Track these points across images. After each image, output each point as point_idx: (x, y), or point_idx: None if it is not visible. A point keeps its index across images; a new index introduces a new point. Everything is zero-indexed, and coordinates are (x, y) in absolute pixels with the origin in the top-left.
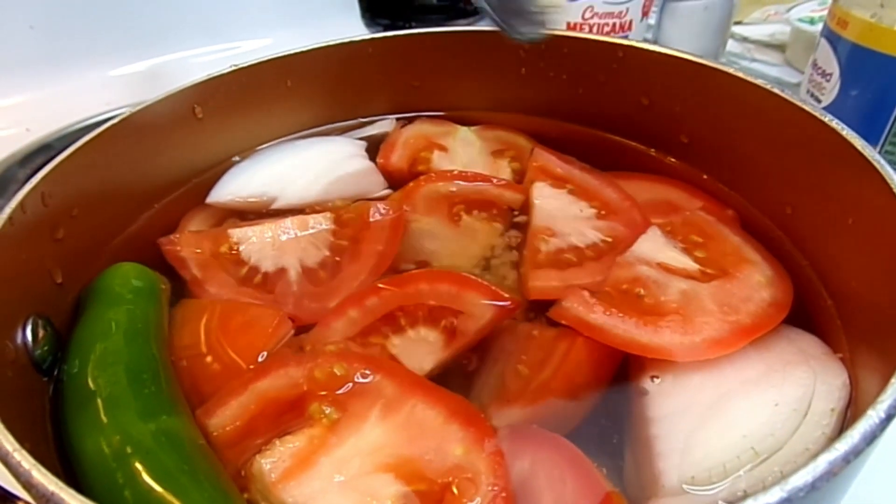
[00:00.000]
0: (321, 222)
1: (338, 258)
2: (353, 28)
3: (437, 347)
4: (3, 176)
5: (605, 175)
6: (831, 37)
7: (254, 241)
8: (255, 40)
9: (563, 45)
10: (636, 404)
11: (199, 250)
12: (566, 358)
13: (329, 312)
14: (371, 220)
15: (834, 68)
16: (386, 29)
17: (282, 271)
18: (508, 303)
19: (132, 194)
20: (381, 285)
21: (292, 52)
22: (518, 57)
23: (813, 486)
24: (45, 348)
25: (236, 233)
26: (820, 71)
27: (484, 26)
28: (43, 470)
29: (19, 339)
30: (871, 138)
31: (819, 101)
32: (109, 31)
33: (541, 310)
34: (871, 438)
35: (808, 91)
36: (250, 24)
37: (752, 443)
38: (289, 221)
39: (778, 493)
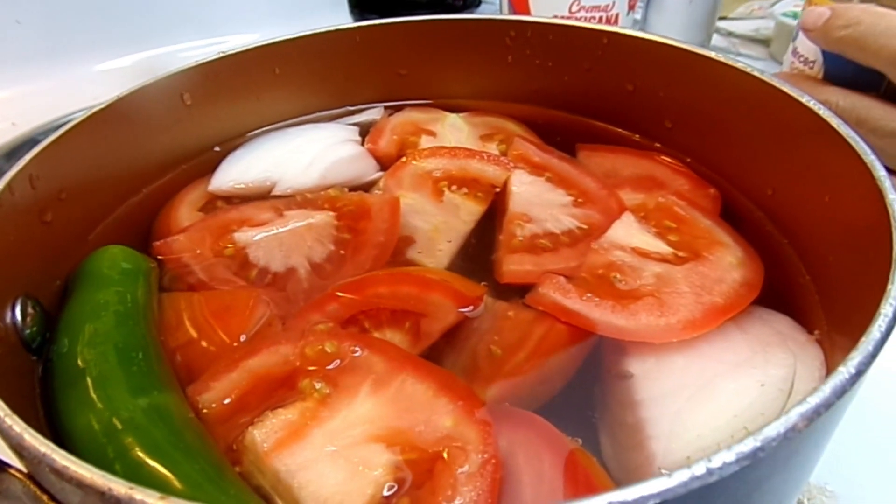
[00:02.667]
0: (324, 217)
1: (342, 251)
2: (341, 23)
3: (403, 348)
4: None
5: (584, 164)
6: None
7: (261, 245)
8: (243, 35)
9: (549, 32)
10: (618, 388)
11: (198, 251)
12: (542, 342)
13: (291, 318)
14: (372, 209)
15: (816, 56)
16: None
17: (291, 271)
18: (472, 307)
19: (120, 178)
20: (338, 293)
21: (280, 39)
22: (504, 45)
23: (785, 437)
24: (35, 328)
25: (242, 237)
26: (802, 59)
27: (470, 15)
28: (33, 433)
29: (8, 319)
30: None
31: None
32: (96, 26)
33: (516, 289)
34: (840, 392)
35: None
36: (238, 19)
37: (744, 422)
38: (291, 220)
39: (751, 442)
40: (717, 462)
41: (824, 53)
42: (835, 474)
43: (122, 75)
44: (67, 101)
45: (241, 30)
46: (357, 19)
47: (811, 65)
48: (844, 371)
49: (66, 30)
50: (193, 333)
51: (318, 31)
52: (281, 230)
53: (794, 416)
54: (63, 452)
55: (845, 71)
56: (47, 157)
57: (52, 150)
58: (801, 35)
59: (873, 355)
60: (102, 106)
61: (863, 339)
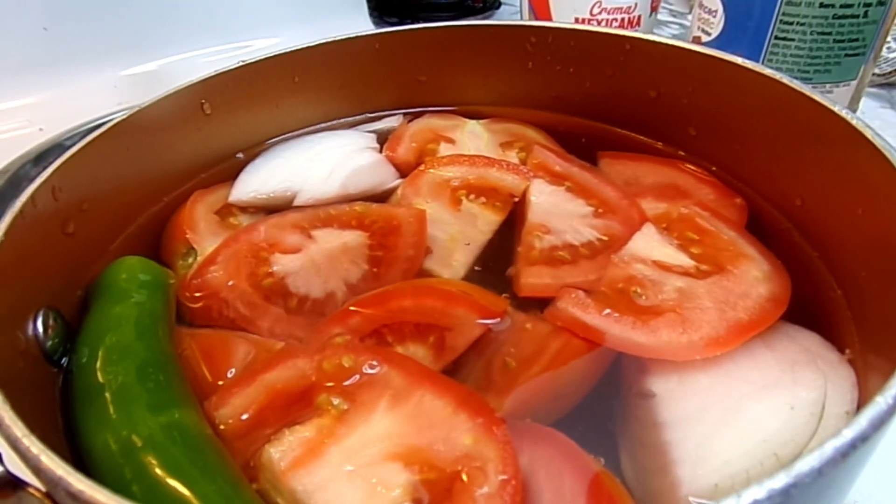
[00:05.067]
0: (356, 237)
1: (375, 269)
2: (361, 27)
3: (426, 363)
4: (17, 174)
5: (605, 172)
6: None
7: (300, 274)
8: (265, 39)
9: (570, 38)
10: (640, 407)
11: (232, 282)
12: (557, 357)
13: (312, 332)
14: (401, 225)
15: (717, 5)
16: (394, 27)
17: (330, 295)
18: (498, 319)
19: (141, 188)
20: (361, 307)
21: (299, 47)
22: (525, 51)
23: (820, 472)
24: (56, 340)
25: (280, 268)
26: (706, 9)
27: (490, 20)
28: (51, 454)
29: (30, 331)
30: (754, 56)
31: (709, 34)
32: (121, 32)
33: (535, 302)
34: (878, 424)
35: (698, 28)
36: (259, 24)
37: (774, 448)
38: (323, 242)
39: (783, 478)
40: (747, 499)
41: (724, 3)
42: (862, 493)
43: (148, 80)
44: (94, 106)
45: (263, 34)
46: (376, 22)
47: (714, 13)
48: (882, 401)
49: (92, 36)
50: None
51: (337, 38)
52: (317, 255)
53: (829, 450)
54: (79, 476)
55: (741, 13)
56: (70, 169)
57: (74, 162)
58: None
59: None
60: (123, 117)
61: None
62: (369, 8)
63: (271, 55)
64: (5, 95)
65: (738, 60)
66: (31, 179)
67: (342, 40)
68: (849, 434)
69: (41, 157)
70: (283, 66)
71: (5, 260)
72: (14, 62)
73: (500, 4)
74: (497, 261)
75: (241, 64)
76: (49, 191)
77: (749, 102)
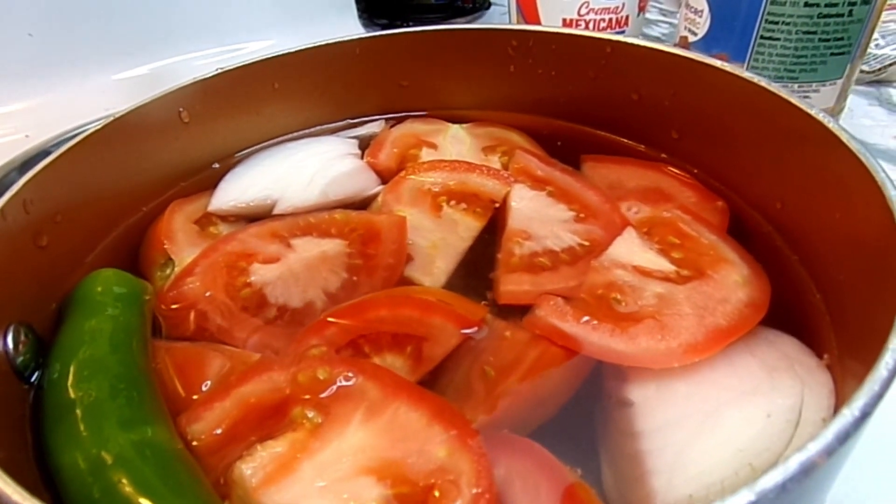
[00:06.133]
0: (335, 246)
1: (355, 277)
2: (350, 28)
3: (404, 374)
4: (2, 182)
5: (588, 176)
6: None
7: (277, 283)
8: (256, 42)
9: (552, 41)
10: (618, 416)
11: (210, 293)
12: (535, 365)
13: (289, 343)
14: (381, 233)
15: (703, 5)
16: (384, 29)
17: (309, 305)
18: (476, 328)
19: (117, 198)
20: (338, 318)
21: (278, 53)
22: (507, 55)
23: (783, 488)
24: (28, 355)
25: (258, 277)
26: (692, 9)
27: (473, 24)
28: (7, 479)
29: (0, 348)
30: (740, 55)
31: (696, 34)
32: (109, 36)
33: (515, 308)
34: (844, 438)
35: (685, 28)
36: (250, 27)
37: (749, 457)
38: (302, 251)
39: (746, 495)
40: None
41: (709, 3)
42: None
43: (138, 84)
44: (82, 112)
45: (254, 37)
46: (366, 24)
47: (700, 13)
48: (848, 413)
49: (79, 41)
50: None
51: (318, 44)
52: (295, 264)
53: (793, 465)
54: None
55: (732, 18)
56: (42, 181)
57: (47, 174)
58: None
59: (880, 395)
60: (98, 127)
61: (868, 377)
62: (358, 10)
63: (249, 62)
64: None
65: (718, 63)
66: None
67: (323, 46)
68: (814, 448)
69: (26, 164)
70: (263, 72)
71: None
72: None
73: (489, 5)
74: (478, 267)
75: (219, 71)
76: (20, 204)
77: (730, 106)
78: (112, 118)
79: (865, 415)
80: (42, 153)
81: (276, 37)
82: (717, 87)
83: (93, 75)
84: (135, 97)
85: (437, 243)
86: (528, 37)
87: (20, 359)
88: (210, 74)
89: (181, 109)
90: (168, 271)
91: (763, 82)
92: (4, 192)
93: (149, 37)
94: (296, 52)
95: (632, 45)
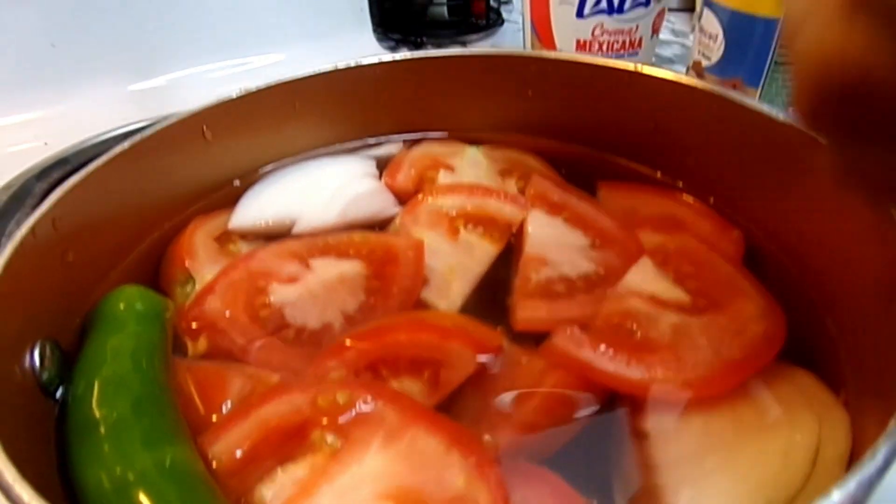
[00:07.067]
0: (353, 267)
1: (372, 299)
2: (365, 42)
3: (421, 399)
4: (21, 189)
5: (604, 202)
6: (713, 5)
7: (297, 304)
8: (269, 55)
9: (570, 68)
10: (635, 448)
11: (229, 312)
12: (551, 393)
13: (308, 365)
14: (398, 255)
15: (718, 30)
16: (397, 43)
17: (327, 326)
18: (493, 354)
19: (141, 214)
20: (357, 341)
21: (302, 76)
22: (524, 80)
23: None
24: (53, 371)
25: (277, 298)
26: (707, 34)
27: (490, 49)
28: (36, 496)
29: (27, 364)
30: (754, 81)
31: (709, 59)
32: (127, 48)
33: (530, 334)
34: (868, 486)
35: (699, 52)
36: (263, 40)
37: (767, 497)
38: (321, 272)
39: None
40: None
41: (724, 29)
42: None
43: (152, 95)
44: (99, 121)
45: (269, 50)
46: (380, 38)
47: (714, 38)
48: (871, 461)
49: (98, 52)
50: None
51: (339, 67)
52: (314, 285)
53: None
54: None
55: (746, 43)
56: (71, 199)
57: (75, 192)
58: (704, 13)
59: None
60: (126, 146)
61: (891, 422)
62: (373, 24)
63: (273, 83)
64: (11, 110)
65: (734, 96)
66: (35, 195)
67: (345, 69)
68: (837, 497)
69: (45, 172)
70: (285, 93)
71: (3, 294)
72: (21, 78)
73: (503, 21)
74: (494, 291)
75: (243, 92)
76: (49, 221)
77: (747, 136)
78: (139, 137)
79: (888, 462)
80: (60, 161)
81: (289, 51)
82: (732, 119)
83: (110, 86)
84: (149, 107)
85: (454, 267)
86: (546, 64)
87: (45, 374)
88: (234, 95)
89: (205, 128)
90: (189, 288)
91: (781, 116)
92: (24, 199)
93: (163, 50)
94: (318, 74)
95: (650, 75)
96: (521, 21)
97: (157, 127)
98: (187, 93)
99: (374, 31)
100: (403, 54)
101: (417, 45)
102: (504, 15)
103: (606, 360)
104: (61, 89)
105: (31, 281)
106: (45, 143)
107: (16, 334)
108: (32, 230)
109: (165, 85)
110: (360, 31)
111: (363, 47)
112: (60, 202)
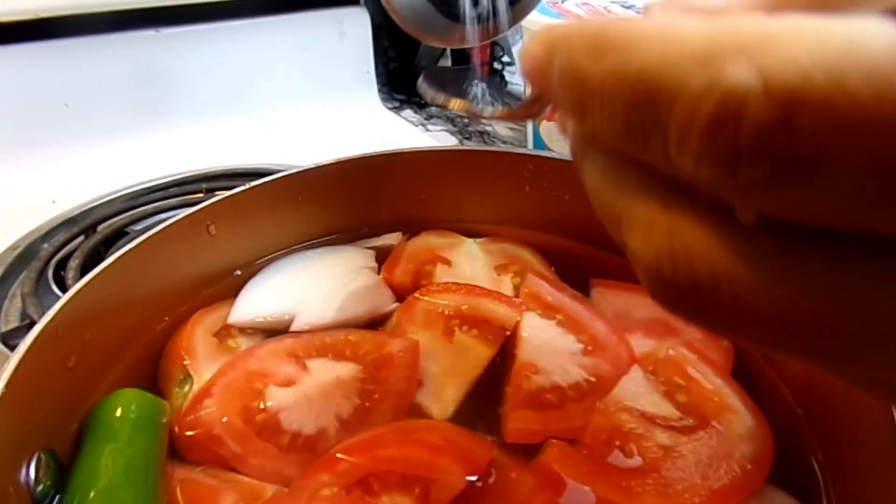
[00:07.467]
0: (349, 370)
1: (367, 403)
2: (370, 103)
3: None
4: (27, 250)
5: (597, 302)
6: None
7: (293, 409)
8: (277, 112)
9: (566, 168)
10: None
11: (226, 419)
12: None
13: (300, 477)
14: (394, 358)
15: None
16: (402, 104)
17: (322, 431)
18: (482, 474)
19: (142, 310)
20: (340, 455)
21: (306, 168)
22: (522, 176)
23: None
24: (48, 483)
25: (273, 402)
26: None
27: (488, 147)
28: None
29: (23, 478)
30: None
31: None
32: (136, 107)
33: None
34: None
35: None
36: (271, 100)
37: None
38: (317, 375)
39: None
40: None
41: None
42: None
43: (160, 153)
44: (107, 179)
45: (273, 109)
46: (385, 98)
47: None
48: None
49: (108, 111)
50: None
51: (343, 159)
52: (310, 389)
53: None
54: None
55: None
56: (74, 305)
57: (79, 298)
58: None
59: None
60: (131, 246)
61: None
62: (378, 84)
63: (278, 177)
64: (21, 167)
65: None
66: (41, 258)
67: (348, 161)
68: None
69: (50, 233)
70: (290, 186)
71: (4, 409)
72: (35, 136)
73: (507, 84)
74: (487, 396)
75: (248, 186)
76: (54, 329)
77: None
78: (145, 237)
79: None
80: (66, 221)
81: (295, 110)
82: None
83: (117, 144)
84: (156, 165)
85: (448, 370)
86: (543, 162)
87: (40, 488)
88: (239, 190)
89: (209, 223)
90: (186, 388)
91: None
92: (31, 259)
93: (171, 108)
94: (323, 166)
95: None
96: (523, 85)
97: (162, 226)
98: (195, 150)
99: (380, 90)
100: (402, 148)
101: (421, 107)
102: (507, 77)
103: (596, 483)
104: (71, 147)
105: (32, 392)
106: (53, 201)
107: (13, 449)
108: (36, 342)
109: (172, 144)
110: (365, 92)
111: (368, 108)
112: (66, 307)
